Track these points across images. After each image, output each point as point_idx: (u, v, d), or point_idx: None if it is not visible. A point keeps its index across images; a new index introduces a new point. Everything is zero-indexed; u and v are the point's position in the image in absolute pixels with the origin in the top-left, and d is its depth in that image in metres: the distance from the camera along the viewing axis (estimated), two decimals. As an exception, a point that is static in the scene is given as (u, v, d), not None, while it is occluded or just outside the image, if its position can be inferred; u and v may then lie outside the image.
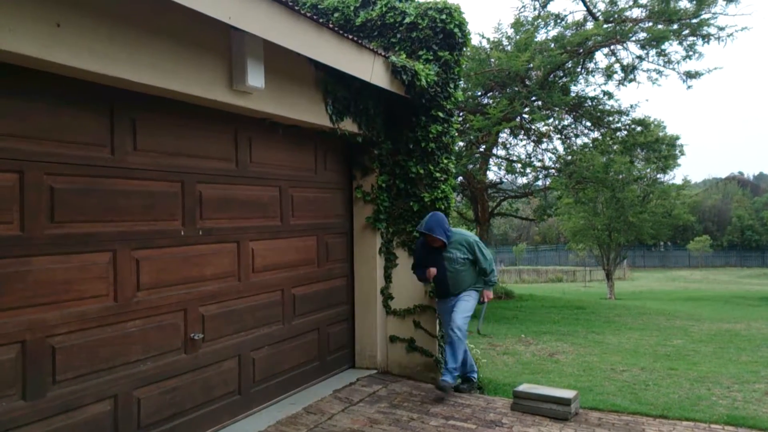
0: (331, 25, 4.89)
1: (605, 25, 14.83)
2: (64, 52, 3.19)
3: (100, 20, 3.37)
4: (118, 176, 3.94)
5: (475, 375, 6.23)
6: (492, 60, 15.31)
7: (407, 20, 6.38)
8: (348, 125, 5.92)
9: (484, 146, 17.10)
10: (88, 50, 3.31)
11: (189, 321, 4.50)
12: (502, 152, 18.64)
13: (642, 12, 14.90)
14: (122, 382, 3.96)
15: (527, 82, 15.23)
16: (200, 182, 4.61)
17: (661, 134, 17.34)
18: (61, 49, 3.17)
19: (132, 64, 3.58)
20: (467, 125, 15.14)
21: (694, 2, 14.10)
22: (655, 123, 17.56)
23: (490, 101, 16.04)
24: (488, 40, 16.24)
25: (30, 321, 3.40)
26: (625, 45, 15.06)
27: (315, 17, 4.56)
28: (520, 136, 18.00)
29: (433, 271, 5.89)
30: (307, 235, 5.95)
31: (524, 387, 5.73)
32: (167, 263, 4.33)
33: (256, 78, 4.41)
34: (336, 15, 6.68)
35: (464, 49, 6.70)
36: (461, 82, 7.60)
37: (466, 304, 5.92)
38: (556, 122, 16.85)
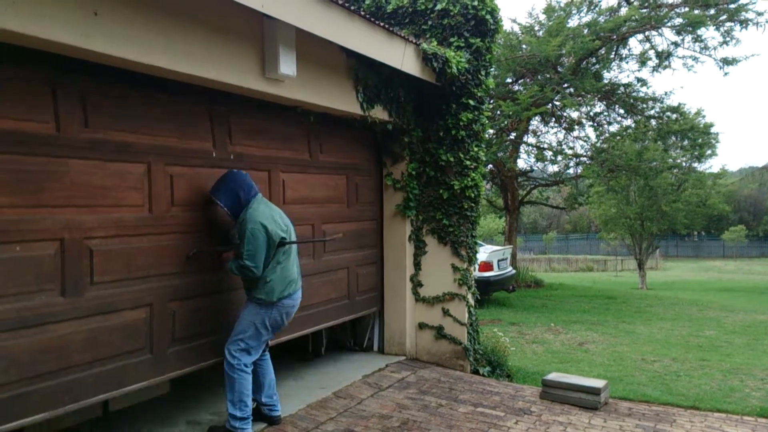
0: (362, 13, 4.88)
1: (641, 10, 14.57)
2: (101, 40, 3.23)
3: (137, 8, 3.42)
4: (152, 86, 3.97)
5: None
6: (524, 46, 15.15)
7: (438, 7, 6.34)
8: (378, 113, 5.92)
9: (514, 134, 16.97)
10: (124, 38, 3.36)
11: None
12: (532, 140, 18.50)
13: (678, -3, 14.61)
14: (157, 293, 4.05)
15: (559, 69, 15.05)
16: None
17: (696, 122, 17.02)
18: (98, 37, 3.21)
19: (168, 52, 3.63)
20: (498, 112, 15.03)
21: (733, -13, 13.77)
22: (696, 111, 17.28)
23: (521, 88, 15.89)
24: (520, 25, 16.09)
25: (68, 221, 3.49)
26: (660, 31, 14.79)
27: (346, 5, 4.56)
28: (551, 124, 17.83)
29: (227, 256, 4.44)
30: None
31: (553, 376, 5.72)
32: (200, 183, 4.39)
33: (288, 66, 4.44)
34: (367, 2, 6.67)
35: (496, 35, 6.64)
36: (492, 69, 7.53)
37: (239, 324, 4.30)
38: (588, 109, 16.65)
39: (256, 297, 4.27)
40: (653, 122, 16.46)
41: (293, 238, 4.45)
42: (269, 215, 4.25)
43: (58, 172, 3.45)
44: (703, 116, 17.49)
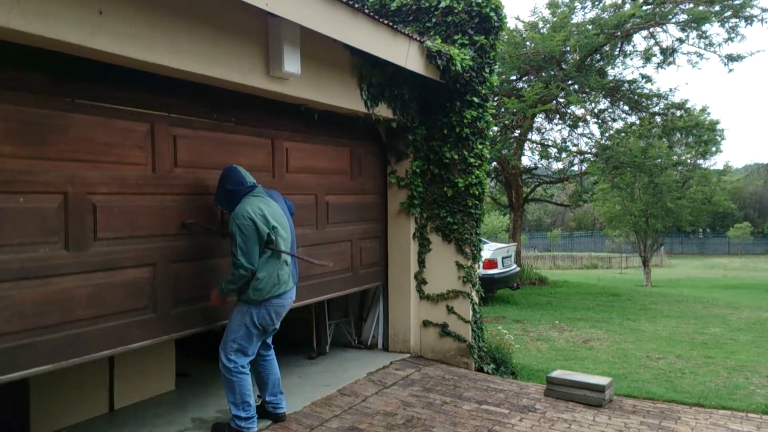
0: (366, 11, 4.88)
1: (645, 7, 14.53)
2: (107, 39, 3.24)
3: (141, 6, 3.43)
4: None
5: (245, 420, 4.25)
6: (528, 43, 15.14)
7: (442, 4, 6.34)
8: (383, 110, 5.92)
9: (518, 131, 16.95)
10: (129, 37, 3.36)
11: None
12: (536, 137, 18.48)
13: (683, -8, 14.57)
14: (161, 253, 4.05)
15: (563, 66, 15.03)
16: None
17: (701, 118, 16.96)
18: (103, 35, 3.21)
19: (172, 51, 3.63)
20: (502, 109, 15.02)
21: (737, -18, 13.72)
22: (701, 108, 17.24)
23: (526, 86, 15.87)
24: (524, 23, 16.06)
25: (72, 175, 3.50)
26: (664, 27, 14.75)
27: (350, 2, 4.56)
28: (555, 121, 17.80)
29: None
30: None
31: (558, 373, 5.73)
32: (203, 145, 4.40)
33: (292, 64, 4.44)
34: (371, 0, 6.68)
35: (500, 33, 6.64)
36: (497, 67, 7.52)
37: (230, 326, 4.24)
38: (593, 106, 16.61)
39: (245, 295, 4.13)
40: (658, 119, 16.43)
41: (286, 236, 4.25)
42: (257, 209, 4.04)
43: (62, 126, 3.45)
44: (708, 113, 17.42)
